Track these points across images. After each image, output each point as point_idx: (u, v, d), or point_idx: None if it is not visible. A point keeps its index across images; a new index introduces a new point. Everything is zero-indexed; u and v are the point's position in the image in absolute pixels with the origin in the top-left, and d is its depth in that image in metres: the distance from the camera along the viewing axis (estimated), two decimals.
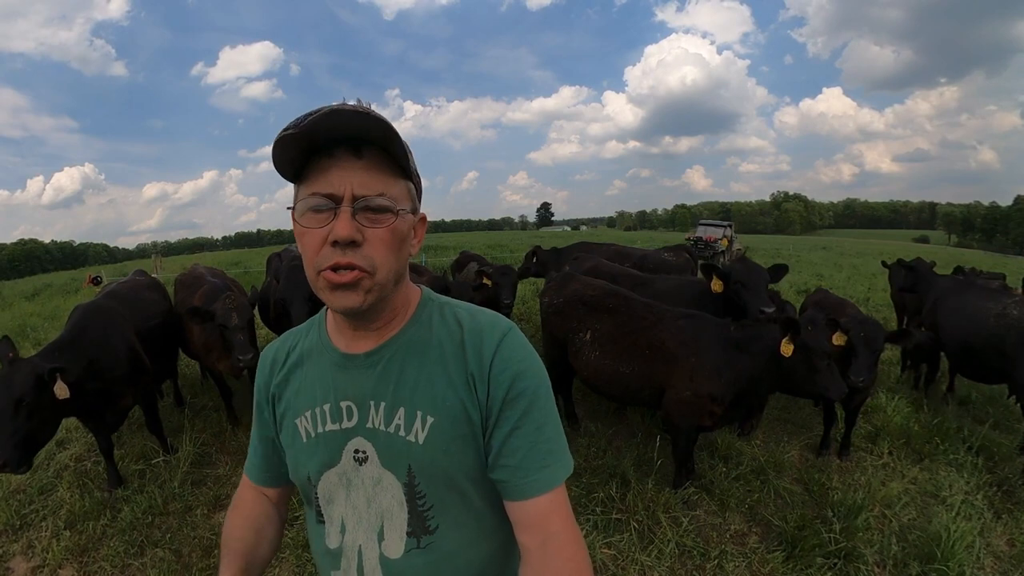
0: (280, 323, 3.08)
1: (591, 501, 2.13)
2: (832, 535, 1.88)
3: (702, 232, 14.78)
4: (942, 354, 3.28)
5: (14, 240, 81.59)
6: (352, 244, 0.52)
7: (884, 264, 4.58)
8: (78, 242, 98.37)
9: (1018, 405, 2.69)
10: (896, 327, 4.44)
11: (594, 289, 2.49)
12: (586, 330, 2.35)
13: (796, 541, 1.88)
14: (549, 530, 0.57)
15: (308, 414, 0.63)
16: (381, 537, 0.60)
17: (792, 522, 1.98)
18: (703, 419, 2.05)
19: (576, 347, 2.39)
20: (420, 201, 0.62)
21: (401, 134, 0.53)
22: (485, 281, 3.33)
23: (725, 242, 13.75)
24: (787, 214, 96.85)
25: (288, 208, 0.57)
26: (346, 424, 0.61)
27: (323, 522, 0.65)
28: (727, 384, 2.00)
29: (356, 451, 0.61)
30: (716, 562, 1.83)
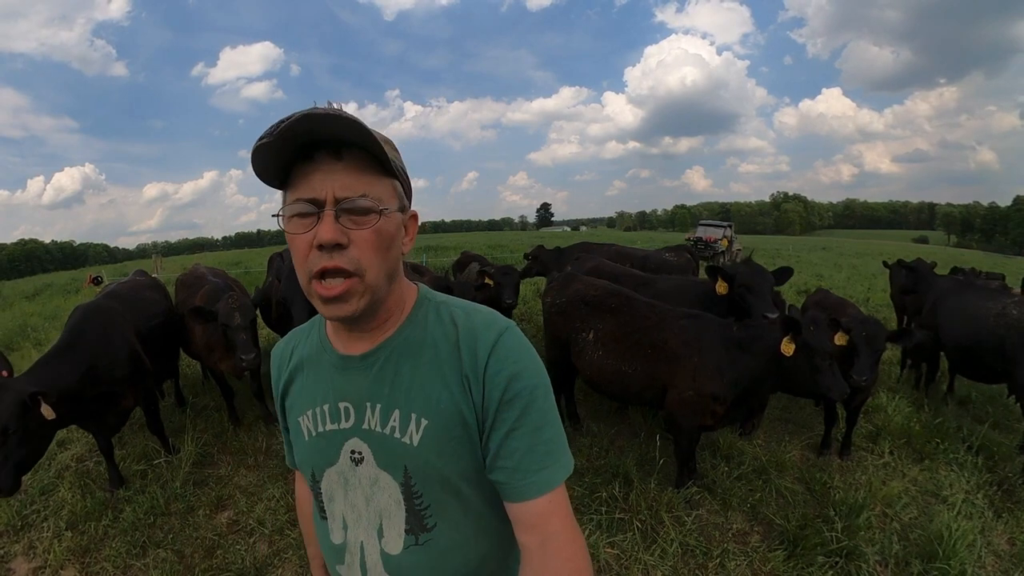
0: (282, 323, 3.09)
1: (594, 501, 2.13)
2: (834, 534, 1.89)
3: (702, 232, 14.79)
4: (942, 354, 3.29)
5: (14, 240, 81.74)
6: (337, 247, 0.52)
7: (885, 264, 4.59)
8: (78, 242, 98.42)
9: (1018, 405, 2.70)
10: (896, 327, 4.44)
11: (597, 289, 2.49)
12: (589, 330, 2.36)
13: (798, 540, 1.89)
14: (548, 530, 0.57)
15: (309, 413, 0.64)
16: (381, 534, 0.61)
17: (794, 521, 1.99)
18: (705, 418, 2.05)
19: (579, 347, 2.40)
20: (410, 198, 0.61)
21: (397, 133, 0.54)
22: (487, 281, 3.34)
23: (725, 242, 13.76)
24: (787, 214, 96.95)
25: (274, 215, 0.57)
26: (344, 425, 0.62)
27: (326, 518, 0.66)
28: (729, 384, 2.00)
29: (352, 452, 0.61)
30: (718, 561, 1.84)
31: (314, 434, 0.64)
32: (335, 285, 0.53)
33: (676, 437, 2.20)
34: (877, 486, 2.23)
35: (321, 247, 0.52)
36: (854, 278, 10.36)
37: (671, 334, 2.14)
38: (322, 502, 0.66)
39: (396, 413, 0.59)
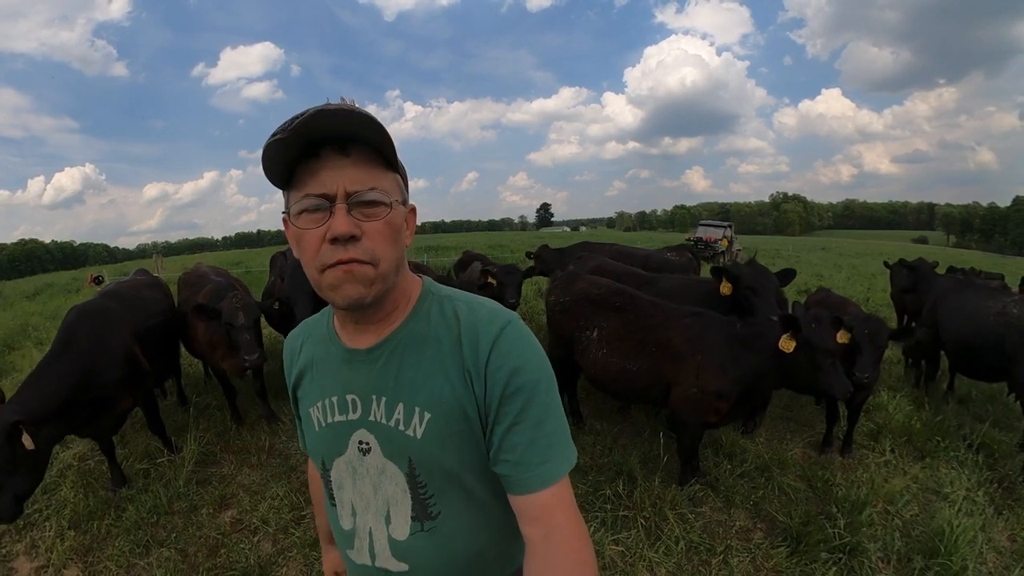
0: (284, 322, 3.09)
1: (598, 498, 2.14)
2: (837, 530, 1.90)
3: (702, 232, 14.83)
4: (942, 353, 3.30)
5: (15, 240, 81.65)
6: (351, 239, 0.53)
7: (886, 264, 4.61)
8: (78, 242, 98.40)
9: (1018, 403, 2.71)
10: (896, 327, 4.46)
11: (600, 288, 2.50)
12: (593, 328, 2.37)
13: (801, 537, 1.90)
14: (552, 523, 0.57)
15: (319, 404, 0.66)
16: (388, 521, 0.63)
17: (797, 518, 2.00)
18: (709, 416, 2.06)
19: (583, 345, 2.41)
20: (408, 192, 0.63)
21: (397, 133, 0.55)
22: (490, 280, 3.35)
23: (725, 242, 13.81)
24: (786, 215, 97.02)
25: (282, 213, 0.58)
26: (351, 416, 0.63)
27: (335, 505, 0.68)
28: (733, 381, 2.01)
29: (360, 442, 0.63)
30: (722, 557, 1.85)
31: (323, 425, 0.66)
32: (347, 264, 0.54)
33: (680, 435, 2.21)
34: (879, 483, 2.25)
35: (335, 240, 0.53)
36: (854, 278, 10.39)
37: (675, 332, 2.15)
38: (332, 490, 0.68)
39: (400, 406, 0.60)
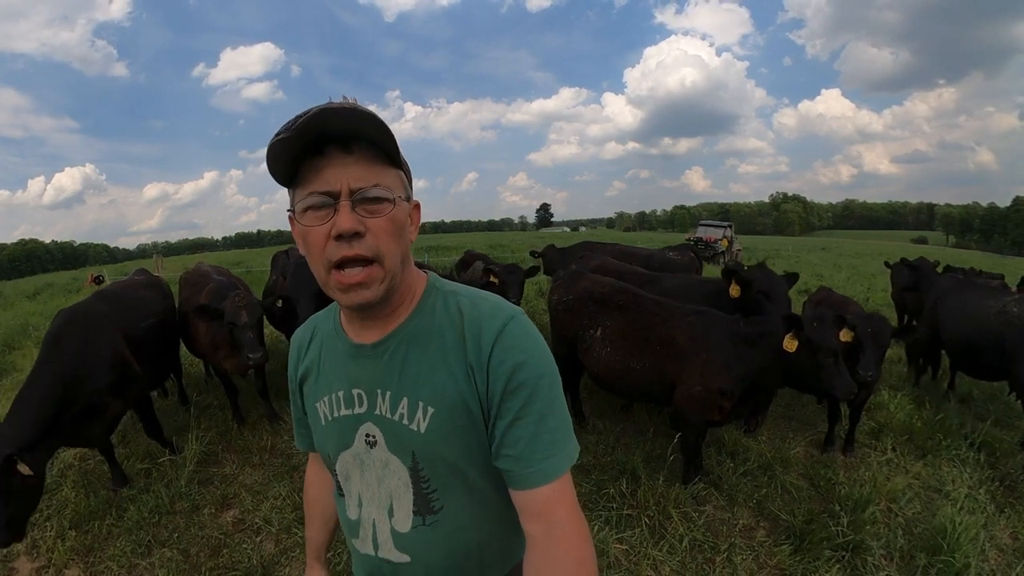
0: (287, 320, 3.09)
1: (602, 497, 2.14)
2: (840, 528, 1.90)
3: (702, 233, 14.86)
4: (943, 352, 3.31)
5: (15, 240, 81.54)
6: (356, 236, 0.54)
7: (887, 264, 4.62)
8: (79, 242, 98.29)
9: (1018, 402, 2.72)
10: (896, 326, 4.46)
11: (604, 286, 2.51)
12: (596, 327, 2.37)
13: (804, 535, 1.91)
14: (553, 518, 0.58)
15: (326, 399, 0.67)
16: (391, 513, 0.65)
17: (800, 516, 2.01)
18: (713, 414, 2.07)
19: (586, 344, 2.41)
20: (412, 188, 0.63)
21: (397, 133, 0.55)
22: (492, 279, 3.35)
23: (725, 242, 13.83)
24: (786, 215, 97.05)
25: (288, 211, 0.58)
26: (358, 410, 0.64)
27: (343, 495, 0.69)
28: (737, 379, 2.02)
29: (367, 435, 0.64)
30: (725, 555, 1.85)
31: (330, 419, 0.66)
32: (355, 273, 0.55)
33: (683, 433, 2.21)
34: (881, 482, 2.25)
35: (340, 237, 0.54)
36: (854, 278, 10.40)
37: (679, 330, 2.15)
38: (339, 481, 0.69)
39: (405, 401, 0.61)
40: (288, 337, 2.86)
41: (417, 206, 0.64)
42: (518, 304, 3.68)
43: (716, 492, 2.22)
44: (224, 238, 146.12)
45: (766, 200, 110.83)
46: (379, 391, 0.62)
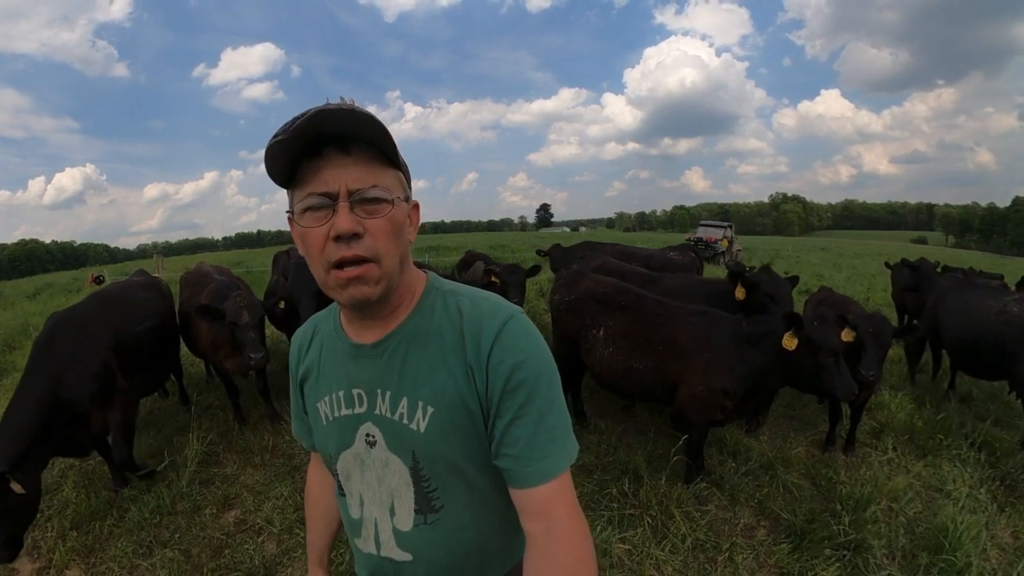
0: (288, 320, 3.09)
1: (604, 497, 2.14)
2: (841, 527, 1.91)
3: (702, 233, 14.87)
4: (943, 352, 3.31)
5: (15, 240, 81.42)
6: (355, 237, 0.54)
7: (887, 264, 4.63)
8: (79, 242, 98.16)
9: (1019, 401, 2.72)
10: (897, 326, 4.46)
11: (606, 286, 2.51)
12: (599, 327, 2.38)
13: (804, 533, 1.91)
14: (553, 517, 0.58)
15: (326, 399, 0.67)
16: (392, 512, 0.65)
17: (801, 516, 2.01)
18: (715, 414, 2.07)
19: (589, 344, 2.41)
20: (410, 189, 0.63)
21: (397, 133, 0.56)
22: (493, 279, 3.35)
23: (725, 243, 13.84)
24: (786, 215, 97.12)
25: (287, 212, 0.58)
26: (358, 410, 0.64)
27: (344, 495, 0.69)
28: (740, 379, 2.02)
29: (367, 435, 0.64)
30: (727, 554, 1.86)
31: (331, 419, 0.67)
32: (353, 269, 0.55)
33: (686, 433, 2.21)
34: (882, 481, 2.25)
35: (339, 238, 0.54)
36: (854, 278, 10.40)
37: (681, 330, 2.16)
38: (340, 480, 0.69)
39: (404, 400, 0.61)
40: (289, 337, 2.85)
41: (416, 206, 0.64)
42: (520, 304, 3.70)
43: (718, 491, 2.22)
44: (224, 238, 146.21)
45: (766, 200, 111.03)
46: (379, 391, 0.62)
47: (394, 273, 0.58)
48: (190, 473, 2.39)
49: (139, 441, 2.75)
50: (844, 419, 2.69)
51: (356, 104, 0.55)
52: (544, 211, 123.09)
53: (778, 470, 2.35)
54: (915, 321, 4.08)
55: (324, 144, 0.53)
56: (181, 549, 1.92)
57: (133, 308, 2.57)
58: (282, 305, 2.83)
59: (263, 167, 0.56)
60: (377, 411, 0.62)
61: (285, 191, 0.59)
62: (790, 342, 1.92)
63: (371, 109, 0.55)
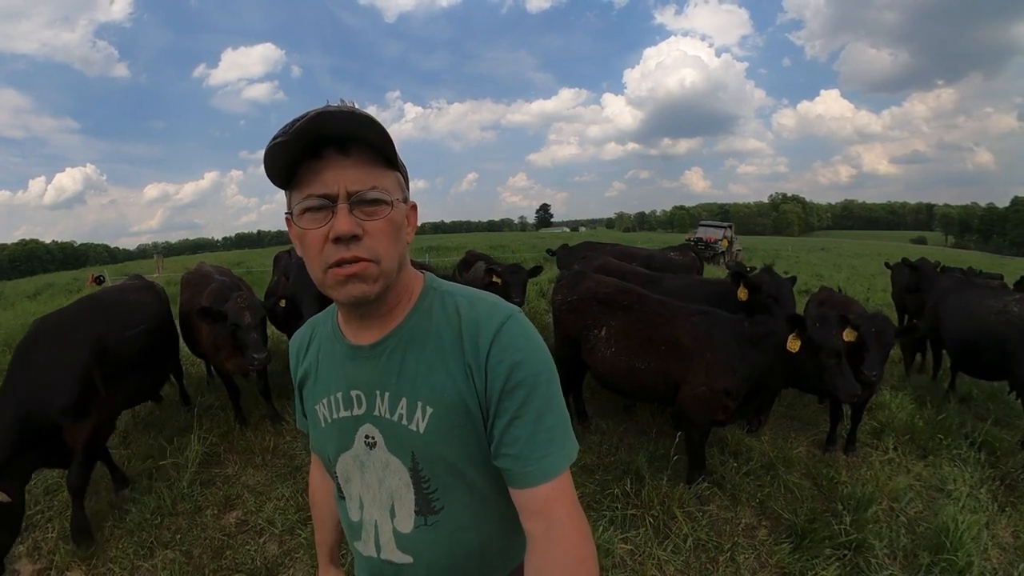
0: (290, 321, 3.09)
1: (606, 497, 2.15)
2: (842, 527, 1.91)
3: (702, 233, 14.88)
4: (943, 352, 3.31)
5: (15, 240, 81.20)
6: (354, 238, 0.54)
7: (887, 265, 4.63)
8: (79, 242, 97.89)
9: (1019, 401, 2.72)
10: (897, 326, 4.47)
11: (608, 286, 2.51)
12: (601, 327, 2.38)
13: (805, 533, 1.91)
14: (553, 517, 0.58)
15: (325, 401, 0.67)
16: (393, 514, 0.64)
17: (802, 515, 2.01)
18: (717, 414, 2.08)
19: (590, 344, 2.41)
20: (409, 190, 0.63)
21: (397, 134, 0.56)
22: (494, 279, 3.35)
23: (725, 243, 13.86)
24: (785, 215, 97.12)
25: (286, 214, 0.58)
26: (356, 412, 0.64)
27: (343, 498, 0.69)
28: (742, 379, 2.03)
29: (367, 436, 0.64)
30: (729, 554, 1.86)
31: (329, 421, 0.67)
32: (351, 266, 0.55)
33: (688, 433, 2.22)
34: (883, 481, 2.25)
35: (338, 239, 0.54)
36: (854, 278, 10.41)
37: (684, 331, 2.16)
38: (339, 484, 0.68)
39: (403, 401, 0.61)
40: (290, 338, 2.85)
41: (414, 207, 0.64)
42: (521, 303, 3.69)
43: (719, 492, 2.22)
44: (224, 238, 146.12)
45: (765, 200, 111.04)
46: (378, 392, 0.62)
47: (392, 273, 0.58)
48: (191, 474, 2.38)
49: (139, 441, 2.76)
50: (845, 419, 2.69)
51: (356, 106, 0.55)
52: (544, 211, 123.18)
53: (779, 470, 2.35)
54: (915, 321, 4.08)
55: (324, 146, 0.54)
56: (182, 550, 1.92)
57: (124, 312, 2.46)
58: (283, 304, 2.82)
59: (263, 168, 0.56)
60: (376, 412, 0.62)
61: (284, 192, 0.59)
62: (794, 344, 1.92)
63: (371, 109, 0.56)
